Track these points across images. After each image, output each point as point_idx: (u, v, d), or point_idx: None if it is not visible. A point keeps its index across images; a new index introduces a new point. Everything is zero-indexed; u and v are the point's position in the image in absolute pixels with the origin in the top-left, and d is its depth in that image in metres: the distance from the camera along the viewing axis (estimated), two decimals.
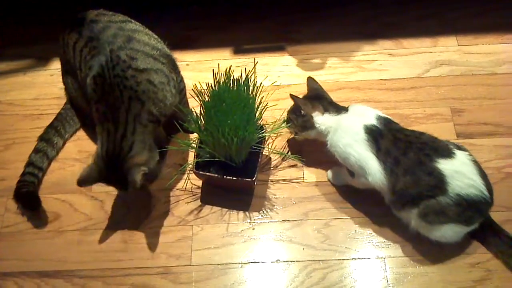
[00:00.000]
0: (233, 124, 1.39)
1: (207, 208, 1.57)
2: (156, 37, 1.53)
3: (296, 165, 1.63)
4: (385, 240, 1.48)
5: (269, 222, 1.54)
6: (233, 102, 1.41)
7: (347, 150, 1.39)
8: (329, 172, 1.59)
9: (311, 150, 1.62)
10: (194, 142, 1.54)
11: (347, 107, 1.47)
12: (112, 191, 1.61)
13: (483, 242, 1.44)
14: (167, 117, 1.48)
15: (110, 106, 1.36)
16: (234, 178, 1.47)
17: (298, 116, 1.48)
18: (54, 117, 1.74)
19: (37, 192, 1.61)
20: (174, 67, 1.54)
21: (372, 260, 1.46)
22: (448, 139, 1.41)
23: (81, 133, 1.75)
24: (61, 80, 1.71)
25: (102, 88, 1.37)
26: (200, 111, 1.47)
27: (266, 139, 1.59)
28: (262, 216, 1.55)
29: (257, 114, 1.47)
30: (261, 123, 1.54)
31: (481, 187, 1.30)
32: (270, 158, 1.65)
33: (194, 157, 1.53)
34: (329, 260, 1.46)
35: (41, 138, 1.69)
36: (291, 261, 1.47)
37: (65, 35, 1.52)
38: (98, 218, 1.58)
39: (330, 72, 1.82)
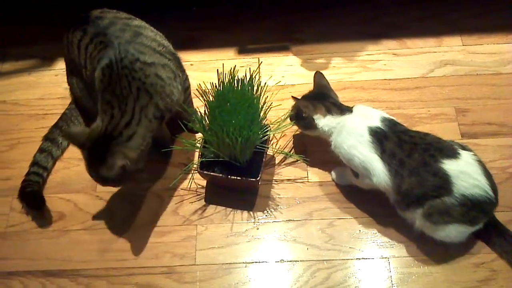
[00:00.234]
0: (238, 124, 1.39)
1: (212, 208, 1.58)
2: (161, 34, 1.54)
3: (300, 165, 1.63)
4: (390, 240, 1.48)
5: (273, 222, 1.54)
6: (237, 102, 1.41)
7: (351, 151, 1.39)
8: (333, 172, 1.59)
9: (315, 150, 1.62)
10: (198, 142, 1.54)
11: (352, 107, 1.46)
12: (117, 191, 1.62)
13: (488, 242, 1.43)
14: (172, 114, 1.48)
15: (117, 96, 1.36)
16: (238, 178, 1.47)
17: (300, 117, 1.48)
18: (59, 117, 1.74)
19: (42, 191, 1.62)
20: (179, 65, 1.54)
21: (376, 260, 1.45)
22: (452, 139, 1.41)
23: None
24: (65, 80, 1.71)
25: (109, 78, 1.37)
26: (205, 111, 1.48)
27: (270, 139, 1.59)
28: (266, 216, 1.55)
29: (261, 114, 1.48)
30: (266, 123, 1.54)
31: (486, 187, 1.30)
32: (274, 158, 1.66)
33: (199, 157, 1.53)
34: (333, 260, 1.46)
35: (46, 138, 1.70)
36: (295, 261, 1.47)
37: (69, 34, 1.52)
38: (103, 218, 1.58)
39: (334, 72, 1.82)
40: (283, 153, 1.63)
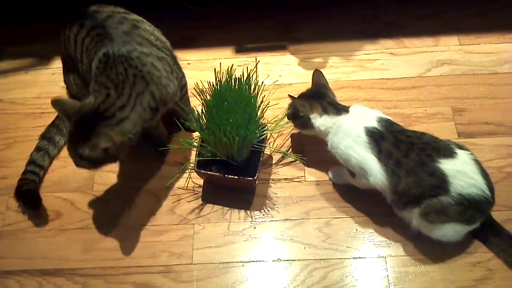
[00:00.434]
0: (235, 123, 1.39)
1: (209, 207, 1.58)
2: (159, 30, 1.54)
3: (297, 164, 1.63)
4: (386, 239, 1.48)
5: (270, 221, 1.54)
6: (234, 101, 1.41)
7: (348, 152, 1.39)
8: (330, 172, 1.59)
9: (312, 149, 1.62)
10: (195, 141, 1.54)
11: (348, 107, 1.46)
12: (114, 189, 1.62)
13: (484, 241, 1.44)
14: (167, 109, 1.47)
15: (112, 79, 1.35)
16: (235, 177, 1.47)
17: (297, 116, 1.48)
18: (55, 115, 1.74)
19: (38, 190, 1.62)
20: (175, 62, 1.54)
21: (373, 259, 1.46)
22: (449, 139, 1.41)
23: None
24: (62, 78, 1.71)
25: (105, 64, 1.36)
26: (202, 109, 1.47)
27: (267, 138, 1.59)
28: (263, 215, 1.55)
29: (258, 113, 1.47)
30: (263, 122, 1.54)
31: (483, 186, 1.30)
32: (272, 157, 1.66)
33: (196, 156, 1.53)
34: (330, 259, 1.46)
35: (43, 137, 1.70)
36: (292, 260, 1.47)
37: (65, 30, 1.52)
38: (99, 217, 1.58)
39: (331, 71, 1.82)
40: (280, 152, 1.63)
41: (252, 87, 1.46)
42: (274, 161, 1.65)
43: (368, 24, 1.94)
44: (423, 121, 1.68)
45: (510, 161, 1.58)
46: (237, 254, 1.49)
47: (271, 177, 1.62)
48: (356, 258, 1.46)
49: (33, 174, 1.62)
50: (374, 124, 1.39)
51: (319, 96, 1.50)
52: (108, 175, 1.65)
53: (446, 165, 1.30)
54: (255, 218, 1.55)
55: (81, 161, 1.36)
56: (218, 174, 1.49)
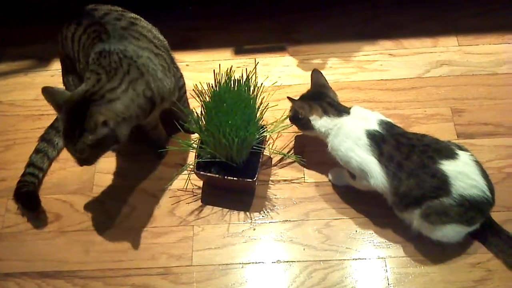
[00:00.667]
0: (234, 125, 1.39)
1: (208, 209, 1.57)
2: (157, 29, 1.53)
3: (297, 165, 1.63)
4: (386, 241, 1.48)
5: (269, 222, 1.54)
6: (234, 102, 1.41)
7: (348, 154, 1.39)
8: (330, 173, 1.59)
9: (312, 150, 1.62)
10: (195, 143, 1.54)
11: (349, 108, 1.46)
12: (113, 191, 1.61)
13: (484, 242, 1.44)
14: (165, 108, 1.46)
15: (104, 67, 1.32)
16: (235, 178, 1.47)
17: (297, 118, 1.48)
18: (54, 117, 1.73)
19: (37, 192, 1.61)
20: (172, 61, 1.53)
21: (373, 260, 1.45)
22: (448, 140, 1.41)
23: None
24: (61, 80, 1.70)
25: (99, 55, 1.35)
26: (201, 111, 1.47)
27: (266, 139, 1.59)
28: (262, 216, 1.55)
29: (258, 115, 1.47)
30: (262, 123, 1.54)
31: (484, 187, 1.30)
32: (271, 158, 1.65)
33: (195, 158, 1.53)
34: (330, 260, 1.46)
35: (42, 139, 1.70)
36: (292, 262, 1.47)
37: (63, 30, 1.51)
38: (99, 219, 1.58)
39: (330, 72, 1.82)
40: (279, 154, 1.63)
41: (251, 88, 1.46)
42: (273, 163, 1.65)
43: (367, 25, 1.94)
44: (423, 122, 1.68)
45: (510, 162, 1.58)
46: (237, 255, 1.49)
47: (271, 179, 1.61)
48: (356, 259, 1.46)
49: (32, 176, 1.62)
50: (375, 127, 1.39)
51: (319, 97, 1.50)
52: (107, 177, 1.65)
53: (447, 166, 1.30)
54: (255, 220, 1.55)
55: (82, 153, 1.31)
56: (217, 175, 1.49)
